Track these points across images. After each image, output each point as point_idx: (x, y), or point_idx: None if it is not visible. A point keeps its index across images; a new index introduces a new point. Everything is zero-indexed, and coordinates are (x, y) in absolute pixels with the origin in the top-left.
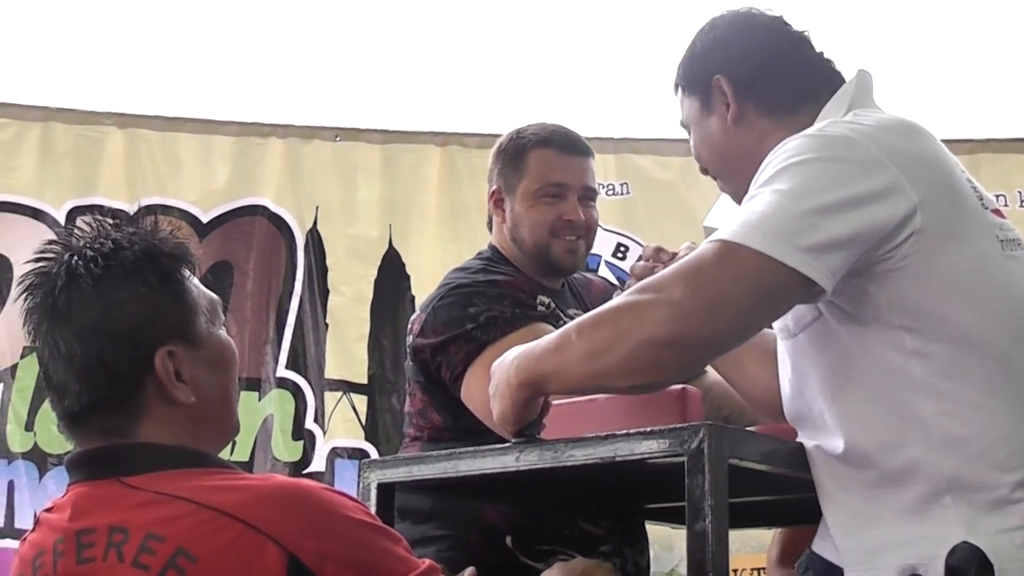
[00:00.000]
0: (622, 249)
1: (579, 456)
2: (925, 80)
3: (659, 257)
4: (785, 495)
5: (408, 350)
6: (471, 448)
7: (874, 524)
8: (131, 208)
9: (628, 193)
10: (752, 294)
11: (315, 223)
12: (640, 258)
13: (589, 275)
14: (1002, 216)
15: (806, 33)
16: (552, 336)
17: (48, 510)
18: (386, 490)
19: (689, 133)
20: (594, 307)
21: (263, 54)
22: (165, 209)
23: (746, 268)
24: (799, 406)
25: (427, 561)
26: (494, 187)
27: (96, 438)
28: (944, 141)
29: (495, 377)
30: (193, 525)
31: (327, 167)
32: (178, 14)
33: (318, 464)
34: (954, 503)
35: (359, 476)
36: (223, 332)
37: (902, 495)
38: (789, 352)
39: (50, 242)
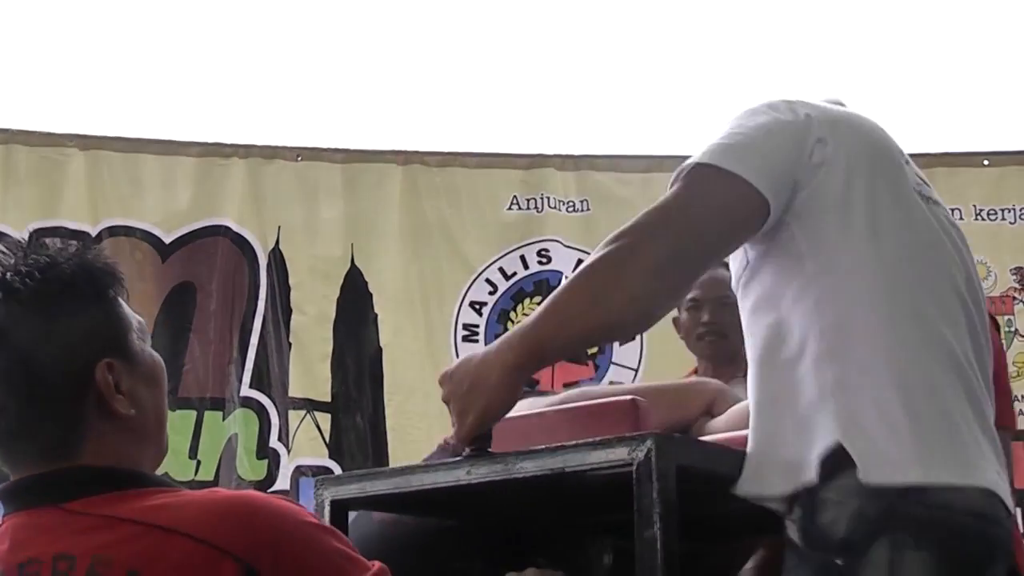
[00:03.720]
0: None
1: (529, 468)
2: (881, 94)
3: None
4: (739, 503)
5: None
6: (422, 464)
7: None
8: (93, 230)
9: (588, 210)
10: (726, 208)
11: (277, 243)
12: None
13: None
14: (924, 181)
15: None
16: (536, 313)
17: None
18: (340, 507)
19: None
20: None
21: (224, 75)
22: (128, 230)
23: (717, 185)
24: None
25: (377, 563)
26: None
27: (36, 461)
28: None
29: (465, 373)
30: (142, 547)
31: (289, 187)
32: (138, 36)
33: (283, 483)
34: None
35: (315, 493)
36: (152, 351)
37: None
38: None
39: None
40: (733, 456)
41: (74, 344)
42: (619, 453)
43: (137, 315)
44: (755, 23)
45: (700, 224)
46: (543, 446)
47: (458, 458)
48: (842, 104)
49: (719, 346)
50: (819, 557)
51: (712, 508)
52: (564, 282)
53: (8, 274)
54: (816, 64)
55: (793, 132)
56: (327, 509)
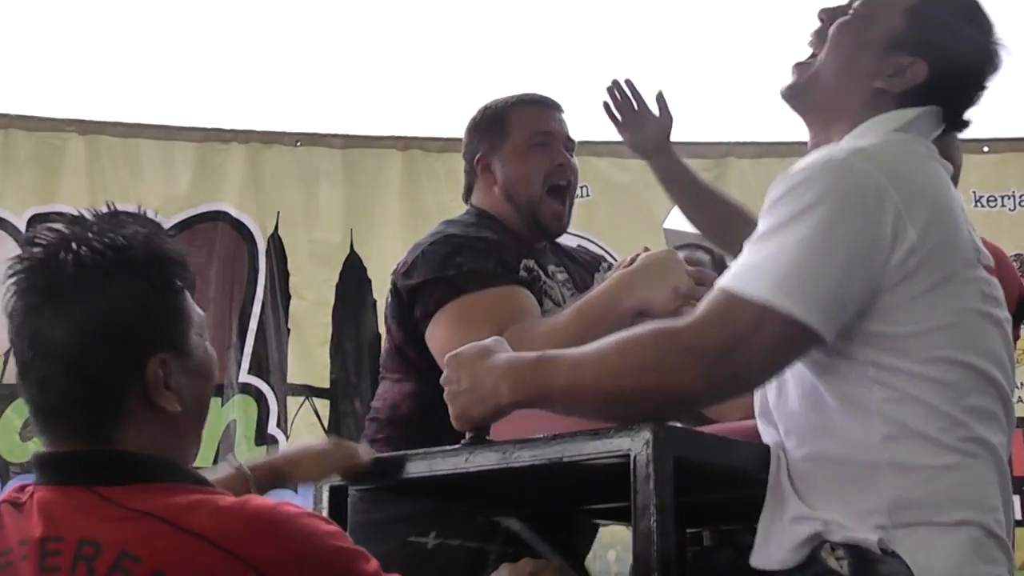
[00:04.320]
0: None
1: (527, 457)
2: None
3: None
4: (736, 493)
5: (391, 287)
6: (421, 451)
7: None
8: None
9: (588, 196)
10: (779, 362)
11: (276, 228)
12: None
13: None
14: (992, 274)
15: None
16: (563, 357)
17: (10, 503)
18: (338, 494)
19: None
20: (582, 274)
21: (223, 60)
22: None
23: (776, 336)
24: (771, 405)
25: None
26: (479, 154)
27: (71, 438)
28: None
29: (464, 371)
30: (171, 548)
31: (288, 172)
32: (137, 21)
33: None
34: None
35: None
36: (208, 344)
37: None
38: None
39: (49, 228)
40: (731, 447)
41: (133, 333)
42: (617, 444)
43: (199, 309)
44: (752, 11)
45: (744, 367)
46: (541, 435)
47: (457, 446)
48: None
49: None
50: None
51: (710, 496)
52: (600, 349)
53: (82, 248)
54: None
55: (873, 247)
56: (325, 496)
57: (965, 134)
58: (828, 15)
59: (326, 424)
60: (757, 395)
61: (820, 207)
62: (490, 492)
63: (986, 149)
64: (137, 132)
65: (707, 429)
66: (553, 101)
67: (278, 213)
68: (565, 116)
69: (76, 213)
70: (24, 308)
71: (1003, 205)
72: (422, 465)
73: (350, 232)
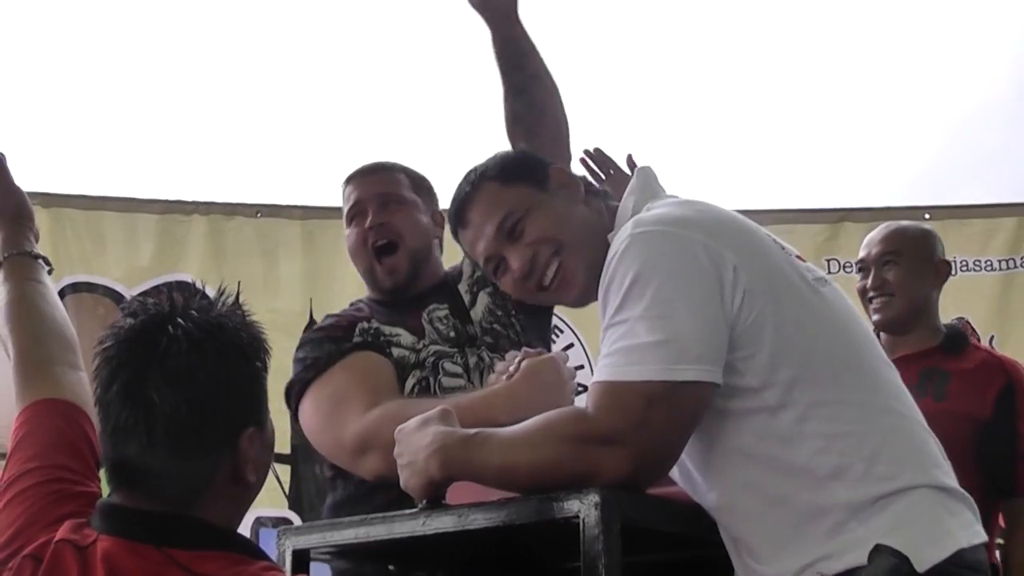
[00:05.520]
0: None
1: (481, 520)
2: (826, 153)
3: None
4: (684, 554)
5: None
6: (380, 515)
7: (798, 545)
8: (56, 286)
9: None
10: (687, 422)
11: (237, 297)
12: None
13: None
14: (803, 260)
15: None
16: (495, 437)
17: (71, 544)
18: (301, 556)
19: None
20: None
21: (184, 134)
22: (90, 287)
23: (673, 403)
24: (685, 478)
25: None
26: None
27: (155, 499)
28: (843, 210)
29: (404, 445)
30: None
31: (249, 243)
32: (100, 97)
33: (243, 532)
34: (860, 524)
35: (278, 542)
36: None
37: (815, 529)
38: None
39: (142, 302)
40: (676, 509)
41: (232, 408)
42: (568, 507)
43: None
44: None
45: (659, 442)
46: (494, 499)
47: (414, 510)
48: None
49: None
50: None
51: (659, 556)
52: (527, 433)
53: (187, 322)
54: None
55: (712, 284)
56: (288, 558)
57: (907, 202)
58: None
59: (287, 489)
60: (679, 479)
61: (644, 275)
62: (448, 555)
63: (927, 216)
64: (100, 204)
65: (654, 491)
66: (373, 165)
67: (239, 283)
68: (391, 174)
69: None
70: (129, 373)
71: None
72: (382, 528)
73: (310, 301)
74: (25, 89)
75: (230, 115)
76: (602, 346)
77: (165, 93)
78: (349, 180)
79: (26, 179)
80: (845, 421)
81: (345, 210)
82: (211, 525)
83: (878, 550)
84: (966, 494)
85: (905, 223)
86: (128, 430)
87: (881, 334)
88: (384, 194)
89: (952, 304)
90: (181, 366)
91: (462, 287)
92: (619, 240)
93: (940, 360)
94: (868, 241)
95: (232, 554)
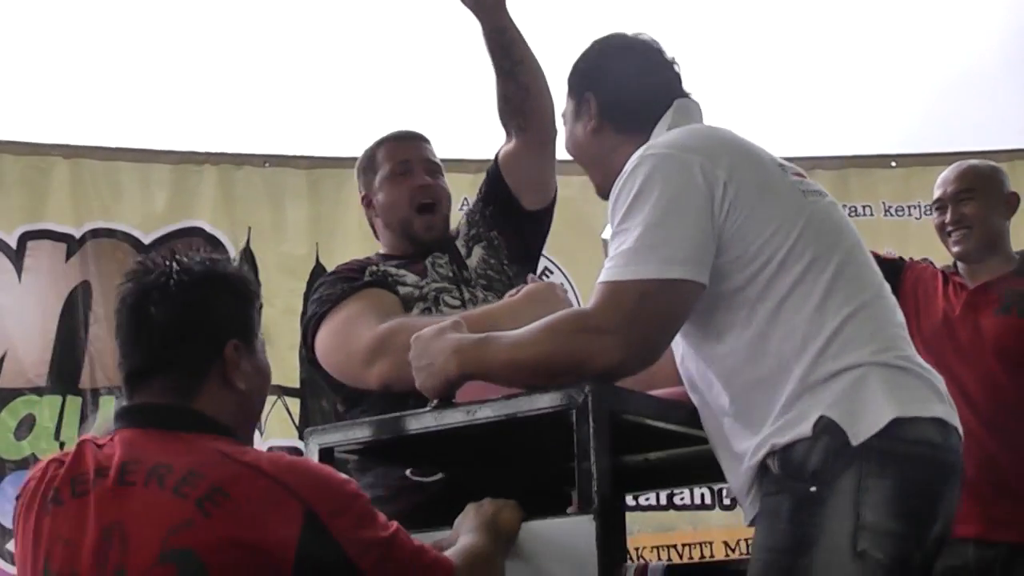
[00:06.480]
0: None
1: (487, 413)
2: (796, 100)
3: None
4: (672, 449)
5: None
6: (397, 414)
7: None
8: (78, 232)
9: None
10: (674, 317)
11: (248, 242)
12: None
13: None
14: (803, 176)
15: (672, 57)
16: (503, 338)
17: (92, 442)
18: (326, 452)
19: (564, 124)
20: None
21: (196, 87)
22: (110, 232)
23: (661, 300)
24: (685, 373)
25: (395, 523)
26: (363, 194)
27: (158, 396)
28: (814, 158)
29: (421, 350)
30: (229, 471)
31: (258, 191)
32: (117, 52)
33: None
34: (809, 399)
35: (304, 441)
36: (267, 359)
37: (775, 406)
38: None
39: (156, 254)
40: (661, 405)
41: (217, 322)
42: (562, 398)
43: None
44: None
45: (650, 332)
46: (499, 396)
47: (427, 408)
48: (687, 104)
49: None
50: (795, 485)
51: (645, 455)
52: (530, 332)
53: (182, 266)
54: (731, 73)
55: (703, 199)
56: (316, 454)
57: (875, 150)
58: None
59: (297, 420)
60: (681, 370)
61: (645, 191)
62: (455, 452)
63: (894, 164)
64: (117, 155)
65: (657, 393)
66: (414, 133)
67: (249, 228)
68: (428, 145)
69: (62, 231)
70: (135, 298)
71: (909, 215)
72: (398, 425)
73: (315, 245)
74: (47, 47)
75: (240, 71)
76: (609, 250)
77: (178, 49)
78: (392, 140)
79: (48, 131)
80: (810, 309)
81: (388, 166)
82: (209, 417)
83: (820, 422)
84: (934, 373)
85: (975, 161)
86: (133, 340)
87: (958, 264)
88: (430, 161)
89: (917, 248)
90: (175, 291)
91: (459, 242)
92: (632, 161)
93: (1018, 283)
94: (943, 180)
95: (228, 439)
